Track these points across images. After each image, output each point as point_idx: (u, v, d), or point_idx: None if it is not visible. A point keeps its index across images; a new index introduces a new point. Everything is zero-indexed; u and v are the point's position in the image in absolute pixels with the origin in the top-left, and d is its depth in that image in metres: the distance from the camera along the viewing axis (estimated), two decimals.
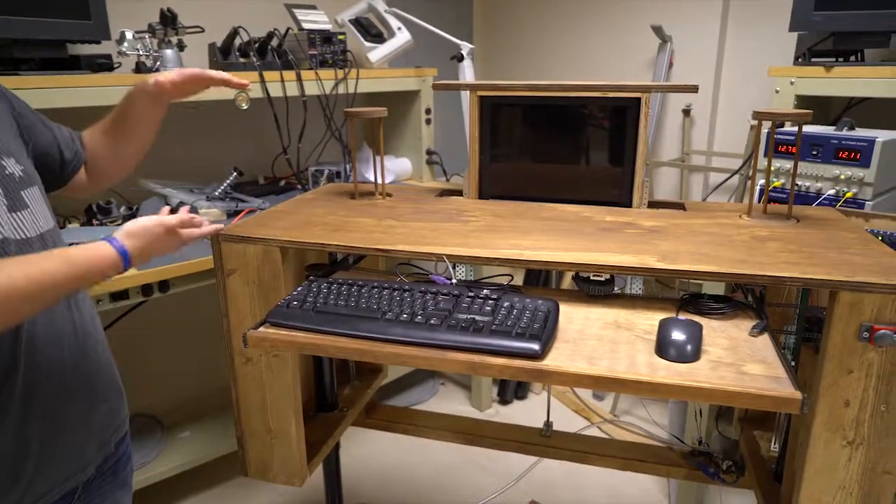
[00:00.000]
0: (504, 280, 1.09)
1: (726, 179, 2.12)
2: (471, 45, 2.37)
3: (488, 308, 0.95)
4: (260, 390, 1.21)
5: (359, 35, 2.28)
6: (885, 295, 0.85)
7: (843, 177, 1.48)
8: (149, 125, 1.11)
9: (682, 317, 0.97)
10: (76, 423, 0.94)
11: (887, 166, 1.47)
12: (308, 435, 1.27)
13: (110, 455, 1.03)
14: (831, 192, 1.51)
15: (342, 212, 1.30)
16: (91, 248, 0.85)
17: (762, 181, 1.37)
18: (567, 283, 2.52)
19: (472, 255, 1.04)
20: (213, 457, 1.93)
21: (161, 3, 1.85)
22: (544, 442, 1.52)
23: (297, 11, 2.14)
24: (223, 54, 1.96)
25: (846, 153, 1.48)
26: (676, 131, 2.63)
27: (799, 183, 1.57)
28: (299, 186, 2.21)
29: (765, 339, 0.94)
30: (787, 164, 1.57)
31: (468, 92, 1.43)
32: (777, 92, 1.78)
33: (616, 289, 1.08)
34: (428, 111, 2.41)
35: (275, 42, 1.99)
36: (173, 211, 1.02)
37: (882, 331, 0.85)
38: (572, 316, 1.01)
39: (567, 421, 2.51)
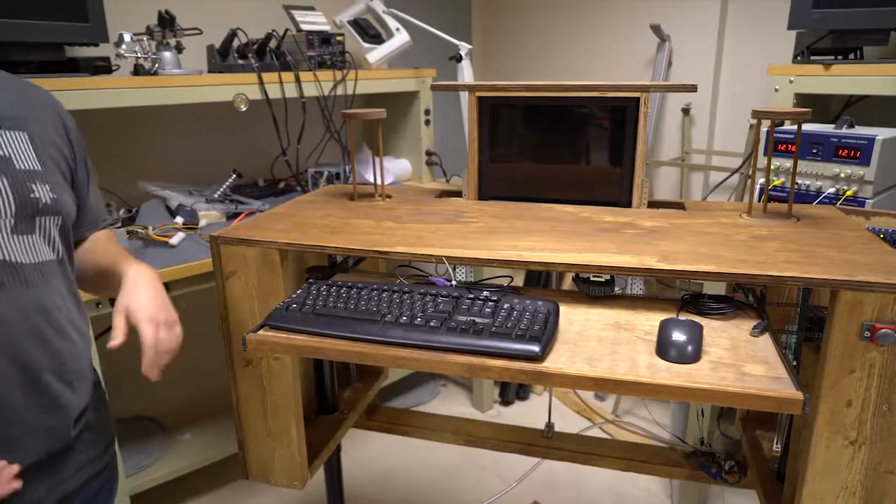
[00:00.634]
0: (504, 281, 1.08)
1: (726, 178, 2.11)
2: (469, 46, 2.37)
3: (488, 310, 0.95)
4: (260, 393, 1.21)
5: (357, 36, 2.27)
6: (887, 294, 0.84)
7: (843, 175, 1.48)
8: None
9: (682, 317, 0.97)
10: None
11: (887, 164, 1.47)
12: (309, 437, 1.27)
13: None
14: (831, 190, 1.51)
15: (341, 213, 1.30)
16: None
17: (762, 180, 1.36)
18: (568, 283, 2.51)
19: (471, 256, 1.04)
20: (214, 459, 1.93)
21: (159, 5, 1.85)
22: (546, 443, 1.51)
23: (295, 13, 2.14)
24: (221, 56, 1.96)
25: (846, 151, 1.48)
26: (676, 130, 2.62)
27: (799, 181, 1.57)
28: (298, 188, 2.21)
29: (766, 340, 0.93)
30: (787, 163, 1.57)
31: (467, 92, 1.43)
32: (776, 90, 1.78)
33: (617, 289, 1.07)
34: (427, 112, 2.41)
35: (273, 43, 1.99)
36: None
37: (883, 330, 0.84)
38: (573, 317, 1.01)
39: (569, 421, 2.50)
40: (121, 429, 1.61)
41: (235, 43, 1.96)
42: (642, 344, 0.92)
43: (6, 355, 0.81)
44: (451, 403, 2.70)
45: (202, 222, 1.81)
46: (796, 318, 1.11)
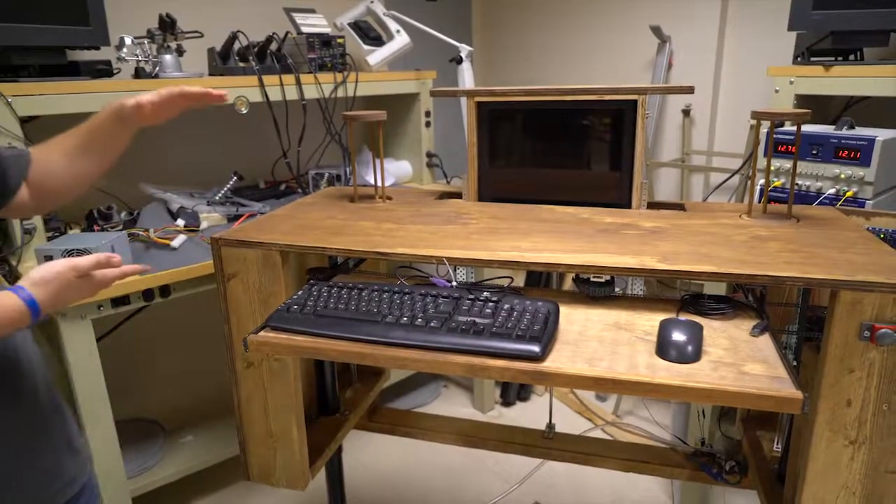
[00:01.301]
0: (504, 282, 1.09)
1: (726, 179, 2.11)
2: (470, 48, 2.37)
3: (488, 310, 0.95)
4: (262, 394, 1.21)
5: (358, 38, 2.28)
6: (886, 294, 0.85)
7: (843, 176, 1.48)
8: (117, 149, 1.03)
9: (682, 317, 0.97)
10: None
11: (887, 165, 1.47)
12: (310, 438, 1.28)
13: None
14: (831, 191, 1.51)
15: (342, 215, 1.31)
16: None
17: (762, 181, 1.37)
18: (568, 284, 2.52)
19: (472, 257, 1.04)
20: (216, 461, 1.93)
21: (160, 8, 1.86)
22: (547, 444, 1.52)
23: (295, 15, 2.14)
24: (222, 59, 1.96)
25: (846, 152, 1.48)
26: (676, 131, 2.62)
27: (799, 182, 1.57)
28: (299, 190, 2.21)
29: (765, 339, 0.94)
30: (788, 164, 1.57)
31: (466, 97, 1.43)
32: (776, 91, 1.78)
33: (618, 290, 1.08)
34: (427, 114, 2.41)
35: (274, 46, 1.99)
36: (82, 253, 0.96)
37: (883, 330, 0.85)
38: (573, 317, 1.01)
39: (570, 422, 2.50)
40: (122, 431, 1.62)
41: (236, 45, 1.96)
42: (642, 344, 0.93)
43: None
44: (452, 404, 2.70)
45: (203, 224, 1.82)
46: (797, 317, 1.11)
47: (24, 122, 1.51)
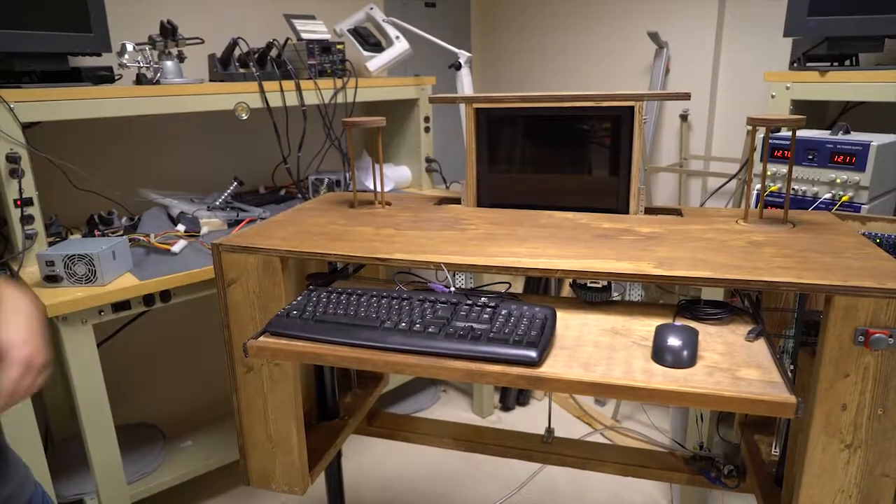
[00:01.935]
0: (502, 288, 1.09)
1: (723, 185, 2.13)
2: (468, 54, 2.39)
3: (486, 316, 0.96)
4: (261, 399, 1.22)
5: (357, 44, 2.29)
6: (880, 299, 0.85)
7: (838, 181, 1.49)
8: None
9: (678, 323, 0.98)
10: None
11: (882, 169, 1.48)
12: (310, 443, 1.28)
13: None
14: (827, 195, 1.52)
15: (342, 221, 1.31)
16: None
17: (759, 186, 1.38)
18: (566, 290, 2.52)
19: (470, 263, 1.05)
20: (215, 466, 1.94)
21: (161, 15, 1.87)
22: (546, 448, 1.52)
23: (295, 22, 2.16)
24: (223, 65, 1.98)
25: (841, 157, 1.49)
26: (674, 137, 2.64)
27: (795, 187, 1.58)
28: (299, 195, 2.22)
29: (761, 344, 0.94)
30: (784, 169, 1.58)
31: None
32: (773, 97, 1.79)
33: (616, 295, 1.08)
34: (427, 119, 2.43)
35: (274, 52, 2.01)
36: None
37: (877, 334, 0.85)
38: (570, 323, 1.02)
39: (569, 427, 2.51)
40: (122, 436, 1.62)
41: (236, 52, 1.98)
42: (638, 349, 0.93)
43: None
44: (451, 409, 2.71)
45: (203, 230, 1.83)
46: (793, 322, 1.12)
47: (26, 127, 1.52)
